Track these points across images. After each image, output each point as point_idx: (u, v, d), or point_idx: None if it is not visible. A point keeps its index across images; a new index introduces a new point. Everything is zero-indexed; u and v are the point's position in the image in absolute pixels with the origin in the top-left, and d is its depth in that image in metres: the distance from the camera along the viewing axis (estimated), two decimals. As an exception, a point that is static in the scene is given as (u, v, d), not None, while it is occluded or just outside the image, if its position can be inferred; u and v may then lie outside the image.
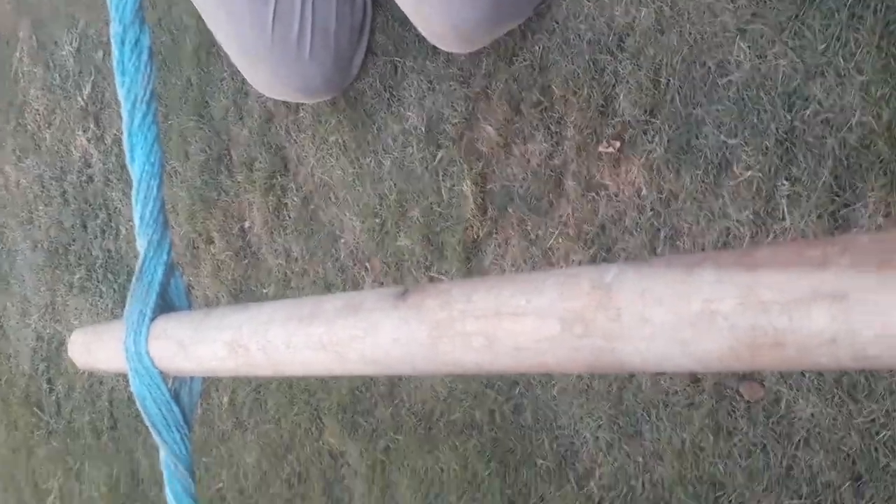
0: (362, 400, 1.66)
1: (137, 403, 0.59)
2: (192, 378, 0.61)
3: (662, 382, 1.24)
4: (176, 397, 0.60)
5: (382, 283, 1.60)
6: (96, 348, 0.65)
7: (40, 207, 2.53)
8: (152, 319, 0.59)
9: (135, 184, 0.62)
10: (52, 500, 2.58)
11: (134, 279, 0.61)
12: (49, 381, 2.54)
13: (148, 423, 0.60)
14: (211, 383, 1.95)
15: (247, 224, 1.86)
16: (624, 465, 1.29)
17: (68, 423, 2.48)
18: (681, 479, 1.23)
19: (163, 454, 0.60)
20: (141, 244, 0.62)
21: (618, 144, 1.26)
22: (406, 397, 1.58)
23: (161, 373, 0.58)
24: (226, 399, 1.95)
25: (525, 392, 1.40)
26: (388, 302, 0.44)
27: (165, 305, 0.61)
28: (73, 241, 2.40)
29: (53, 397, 2.52)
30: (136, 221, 0.62)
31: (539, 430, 1.38)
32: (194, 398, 0.61)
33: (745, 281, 0.30)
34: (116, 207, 2.24)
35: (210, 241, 1.94)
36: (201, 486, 1.99)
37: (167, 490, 0.60)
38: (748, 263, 0.30)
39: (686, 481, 1.22)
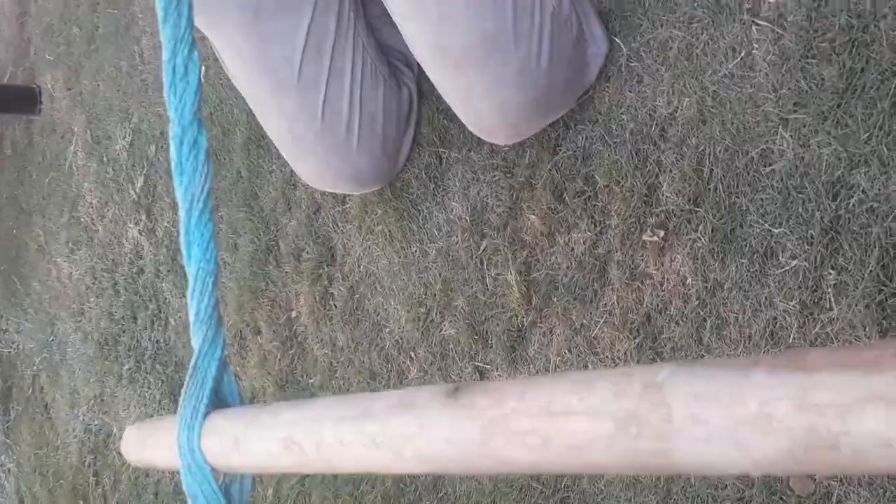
0: (407, 493, 1.64)
1: (189, 501, 0.60)
2: (242, 475, 0.61)
3: (711, 477, 1.21)
4: (227, 494, 0.60)
5: (428, 373, 1.60)
6: (149, 444, 0.66)
7: (91, 299, 2.57)
8: (205, 415, 0.60)
9: (191, 281, 0.63)
10: (97, 593, 2.57)
11: (188, 375, 0.62)
12: (96, 473, 2.54)
13: (199, 520, 0.60)
14: (255, 476, 1.94)
15: (293, 314, 1.87)
16: (676, 559, 1.26)
17: (115, 514, 2.48)
18: (735, 575, 1.20)
19: (214, 551, 0.60)
20: (195, 340, 0.63)
21: (662, 233, 1.27)
22: (451, 490, 1.57)
23: (213, 470, 0.58)
24: (270, 492, 1.94)
25: (571, 486, 1.38)
26: (439, 400, 0.44)
27: (218, 401, 0.62)
28: (123, 332, 2.43)
29: (100, 490, 2.52)
30: (191, 318, 0.63)
31: (588, 523, 1.36)
32: (245, 495, 0.61)
33: (800, 383, 0.30)
34: (166, 299, 2.27)
35: (257, 332, 1.96)
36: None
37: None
38: (801, 366, 0.30)
39: (740, 576, 1.19)
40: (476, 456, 0.42)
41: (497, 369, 1.47)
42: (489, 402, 0.41)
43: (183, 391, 0.62)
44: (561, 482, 1.39)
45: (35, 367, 2.87)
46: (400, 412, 0.46)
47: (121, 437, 0.73)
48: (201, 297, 0.63)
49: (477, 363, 1.51)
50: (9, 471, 3.06)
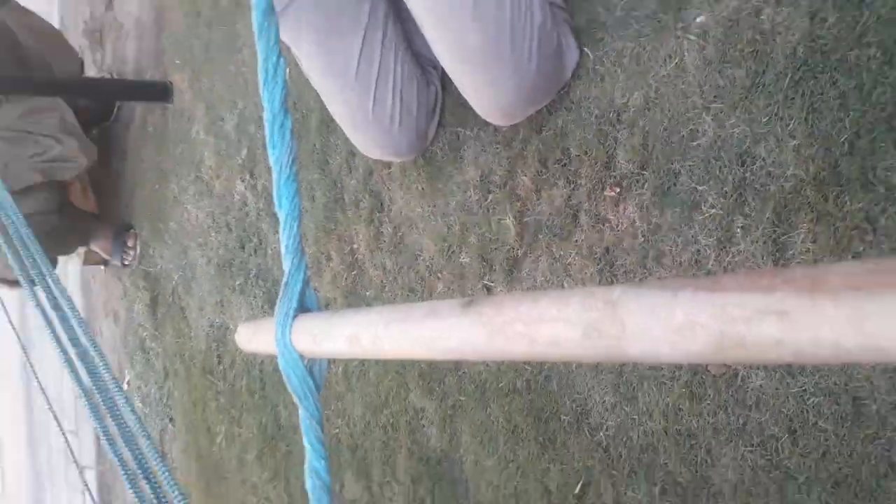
0: (436, 370, 1.66)
1: (283, 377, 0.60)
2: (321, 359, 0.62)
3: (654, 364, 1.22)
4: (310, 372, 0.60)
5: (450, 289, 1.60)
6: (255, 338, 0.66)
7: (212, 234, 2.58)
8: (294, 318, 0.60)
9: (281, 223, 0.63)
10: (220, 440, 2.63)
11: (281, 290, 0.62)
12: (219, 356, 2.58)
13: (291, 391, 0.61)
14: (330, 358, 1.96)
15: (355, 246, 1.88)
16: (624, 420, 1.27)
17: (231, 385, 2.52)
18: (665, 432, 1.21)
19: (301, 412, 0.61)
20: (286, 265, 0.63)
21: (618, 190, 1.26)
22: (467, 370, 1.58)
23: (300, 356, 0.59)
24: (340, 369, 1.97)
25: (552, 367, 1.39)
26: (458, 310, 0.44)
27: (303, 308, 0.62)
28: (235, 258, 2.45)
29: (221, 368, 2.56)
30: (283, 250, 0.63)
31: (562, 394, 1.38)
32: (323, 372, 0.62)
33: (716, 301, 0.30)
34: (265, 234, 2.28)
35: (329, 259, 1.96)
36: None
37: (304, 437, 0.61)
38: (717, 288, 0.30)
39: (669, 433, 1.21)
40: (484, 350, 0.42)
41: (499, 286, 1.47)
42: (493, 311, 0.41)
43: (278, 301, 0.62)
44: (545, 365, 1.41)
45: (174, 282, 2.90)
46: (430, 318, 0.46)
47: (235, 332, 0.74)
48: (289, 234, 0.63)
49: (485, 282, 1.51)
50: (157, 353, 3.11)
